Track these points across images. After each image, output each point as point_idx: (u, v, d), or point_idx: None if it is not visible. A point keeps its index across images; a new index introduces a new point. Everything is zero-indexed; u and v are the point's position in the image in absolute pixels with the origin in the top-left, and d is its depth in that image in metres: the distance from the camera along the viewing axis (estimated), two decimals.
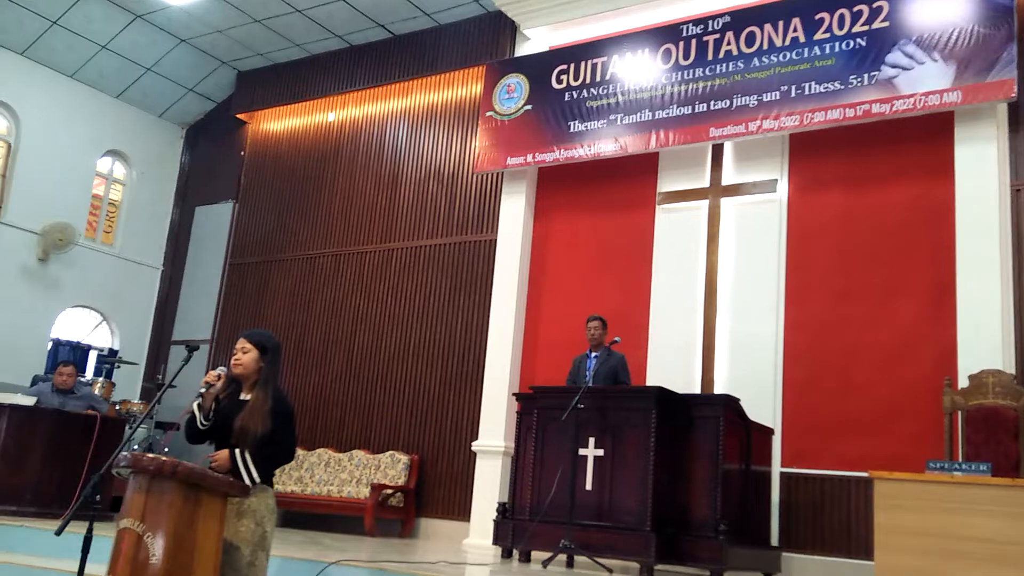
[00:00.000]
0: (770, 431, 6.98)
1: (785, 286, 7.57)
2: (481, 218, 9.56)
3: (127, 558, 3.54)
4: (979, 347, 6.48)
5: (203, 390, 3.92)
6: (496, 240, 9.16)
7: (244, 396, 3.98)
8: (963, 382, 6.22)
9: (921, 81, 6.96)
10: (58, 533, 3.68)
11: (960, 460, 5.69)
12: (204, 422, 3.94)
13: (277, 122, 11.72)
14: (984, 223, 6.74)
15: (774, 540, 6.92)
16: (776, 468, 7.10)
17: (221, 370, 4.01)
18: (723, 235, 8.01)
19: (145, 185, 12.21)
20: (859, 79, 7.21)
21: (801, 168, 7.79)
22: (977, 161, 6.89)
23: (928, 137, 7.21)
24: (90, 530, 3.62)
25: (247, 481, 3.80)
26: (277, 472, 9.36)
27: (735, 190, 8.03)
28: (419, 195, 10.11)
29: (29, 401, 7.19)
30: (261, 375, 3.98)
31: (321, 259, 10.67)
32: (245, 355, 3.97)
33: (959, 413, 6.09)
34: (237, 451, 3.82)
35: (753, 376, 7.46)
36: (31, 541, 5.84)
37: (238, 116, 11.93)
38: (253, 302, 11.08)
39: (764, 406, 7.19)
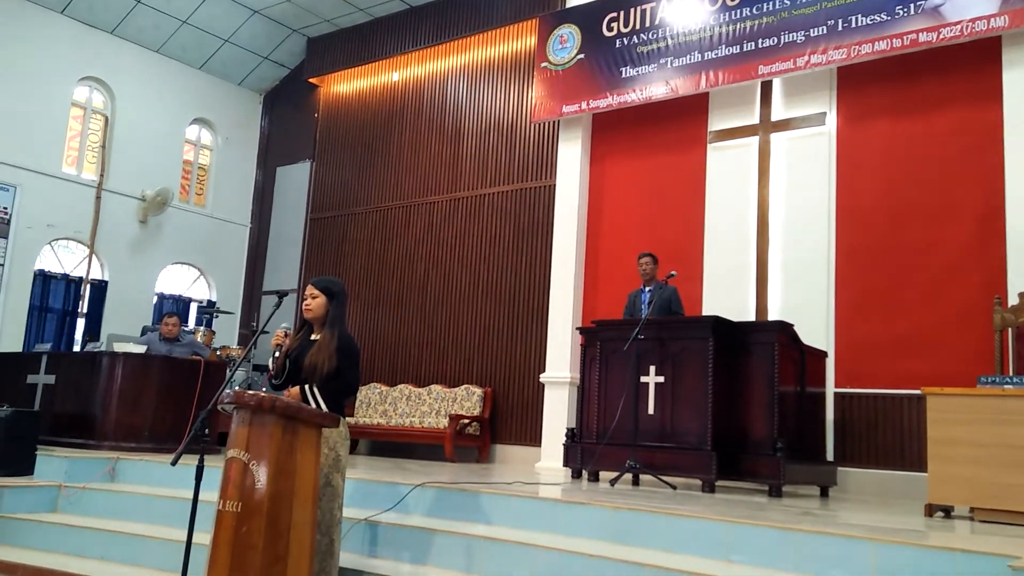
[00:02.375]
0: (823, 354, 6.85)
1: (836, 215, 7.36)
2: (540, 165, 9.47)
3: (236, 484, 3.67)
4: None
5: (276, 353, 4.07)
6: (555, 185, 9.08)
7: (314, 336, 4.12)
8: (1013, 300, 6.00)
9: (967, 8, 6.60)
10: (173, 463, 3.84)
11: (1011, 374, 5.51)
12: (275, 380, 4.09)
13: (346, 84, 11.72)
14: None
15: (829, 456, 6.84)
16: (830, 389, 6.99)
17: (285, 327, 4.14)
18: (774, 169, 7.79)
19: (230, 149, 12.40)
20: (905, 9, 6.87)
21: (849, 100, 7.51)
22: None
23: (975, 63, 6.87)
24: (201, 461, 3.75)
25: None
26: (363, 407, 9.69)
27: (784, 125, 7.78)
28: (481, 146, 10.05)
29: (140, 349, 7.43)
30: (328, 317, 4.09)
31: (393, 210, 10.73)
32: (314, 300, 4.12)
33: (1009, 330, 5.88)
34: (306, 387, 3.97)
35: (806, 302, 7.32)
36: (150, 473, 6.07)
37: (310, 81, 11.95)
38: (333, 253, 11.24)
39: (817, 331, 7.05)
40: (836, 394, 7.05)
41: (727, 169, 8.05)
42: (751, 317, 7.48)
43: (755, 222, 7.77)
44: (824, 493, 6.32)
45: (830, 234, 7.36)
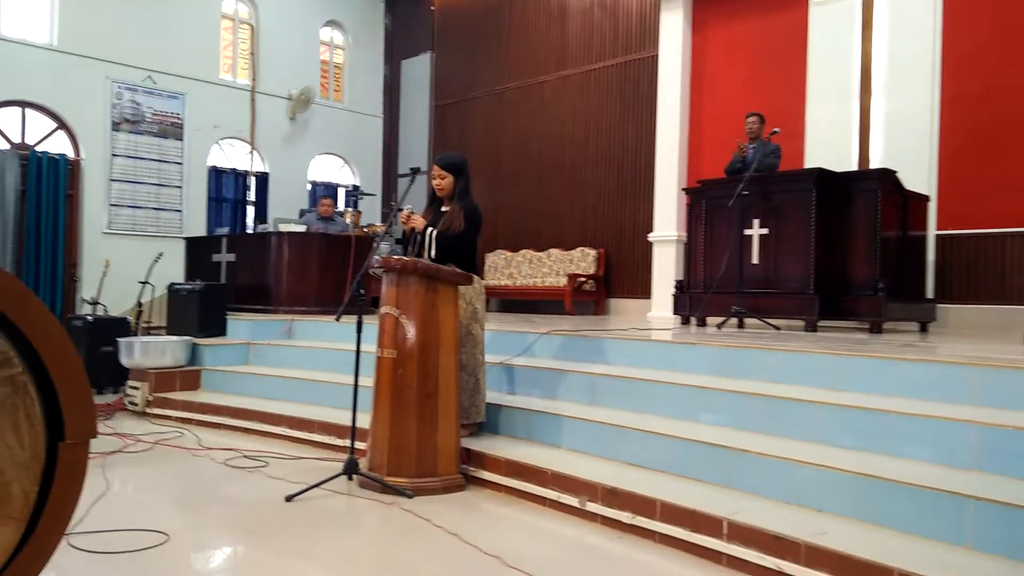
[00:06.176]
0: (926, 198, 6.37)
1: (941, 61, 6.65)
2: (643, 37, 8.94)
3: (390, 335, 3.86)
4: None
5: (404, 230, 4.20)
6: (658, 56, 8.59)
7: (444, 208, 4.19)
8: None
9: None
10: (337, 320, 4.04)
11: None
12: (410, 247, 4.17)
13: None
14: None
15: (929, 295, 6.48)
16: (932, 232, 6.53)
17: (409, 207, 4.17)
18: (877, 20, 7.06)
19: (359, 47, 12.31)
20: None
21: None
22: None
23: None
24: (360, 317, 3.92)
25: None
26: (491, 271, 9.86)
27: None
28: (586, 23, 9.56)
29: (301, 228, 7.75)
30: (456, 191, 4.13)
31: (507, 92, 10.49)
32: (443, 180, 4.16)
33: None
34: (429, 228, 4.07)
35: (909, 150, 6.76)
36: (319, 330, 6.46)
37: None
38: (457, 135, 11.18)
39: (920, 176, 6.54)
40: (937, 236, 6.58)
41: (829, 24, 7.35)
42: (854, 168, 7.00)
43: (858, 75, 7.13)
44: (924, 329, 6.04)
45: (934, 81, 6.68)
